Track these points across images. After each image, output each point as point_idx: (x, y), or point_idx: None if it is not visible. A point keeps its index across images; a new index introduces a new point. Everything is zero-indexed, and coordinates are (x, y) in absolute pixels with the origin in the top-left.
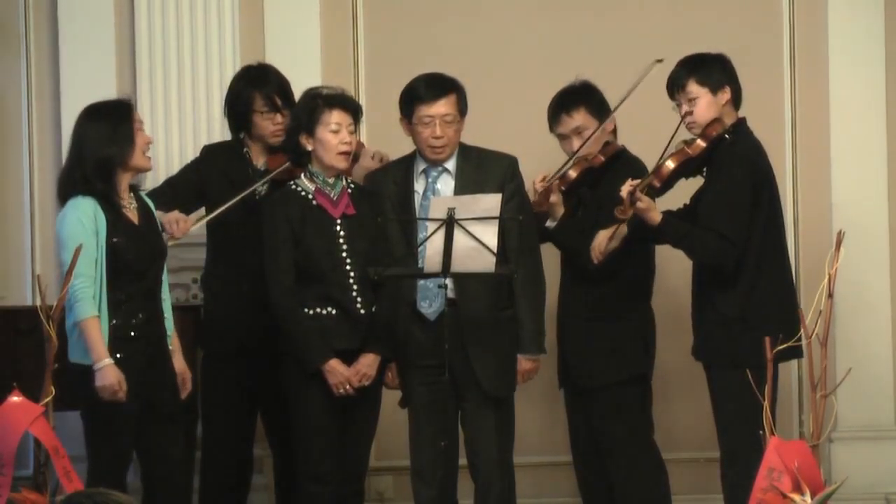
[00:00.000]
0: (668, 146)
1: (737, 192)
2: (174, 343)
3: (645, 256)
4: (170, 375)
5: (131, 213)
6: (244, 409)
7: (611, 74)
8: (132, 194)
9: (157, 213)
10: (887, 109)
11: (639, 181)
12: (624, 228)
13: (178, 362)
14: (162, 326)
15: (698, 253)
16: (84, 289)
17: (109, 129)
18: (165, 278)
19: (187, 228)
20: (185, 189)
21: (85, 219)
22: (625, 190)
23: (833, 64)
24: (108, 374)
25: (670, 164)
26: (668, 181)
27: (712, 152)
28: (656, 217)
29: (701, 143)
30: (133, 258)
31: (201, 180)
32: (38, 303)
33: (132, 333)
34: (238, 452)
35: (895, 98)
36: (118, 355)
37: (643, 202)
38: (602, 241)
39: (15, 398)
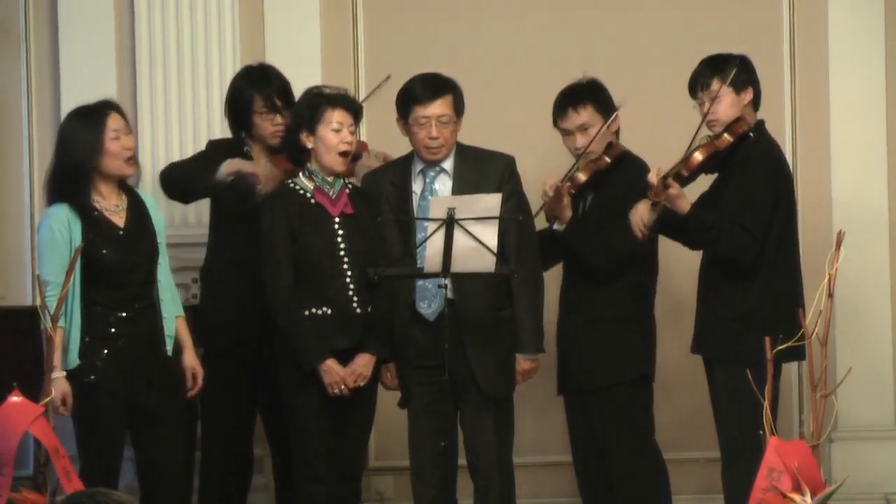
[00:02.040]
0: (692, 142)
1: (761, 188)
2: (183, 340)
3: (648, 259)
4: (163, 377)
5: (116, 216)
6: (243, 408)
7: (611, 75)
8: (123, 196)
9: (242, 164)
10: (887, 109)
11: (666, 168)
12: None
13: (189, 359)
14: (155, 327)
15: (722, 246)
16: (53, 297)
17: (80, 133)
18: (164, 278)
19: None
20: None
21: (56, 226)
22: (654, 175)
23: (833, 64)
24: (54, 387)
25: (698, 156)
26: (695, 172)
27: (734, 150)
28: (685, 205)
29: (728, 137)
30: (111, 262)
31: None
32: (38, 303)
33: (111, 334)
34: (237, 452)
35: (895, 98)
36: (101, 356)
37: (674, 188)
38: (644, 213)
39: (15, 398)
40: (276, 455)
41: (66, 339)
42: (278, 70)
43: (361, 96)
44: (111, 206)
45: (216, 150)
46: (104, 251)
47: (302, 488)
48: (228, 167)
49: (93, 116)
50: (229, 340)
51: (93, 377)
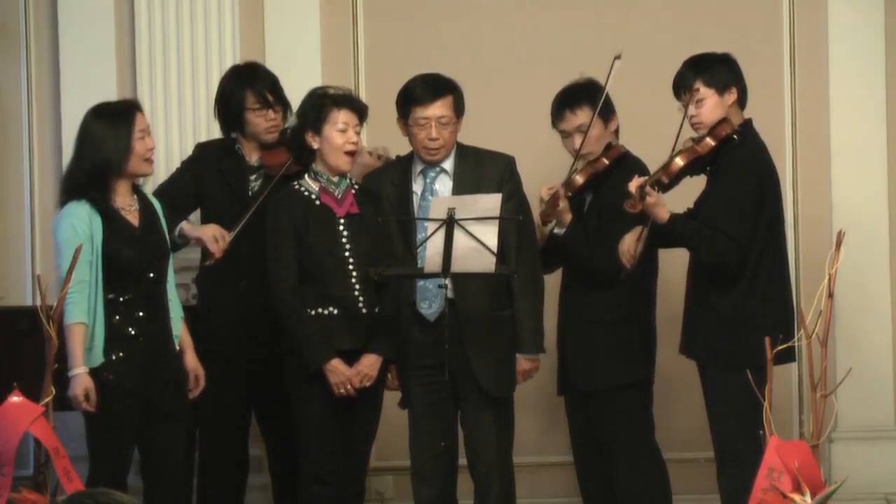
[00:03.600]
0: (675, 145)
1: (744, 192)
2: (185, 341)
3: (648, 261)
4: (173, 374)
5: (131, 215)
6: (241, 408)
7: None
8: (135, 196)
9: (190, 229)
10: (887, 109)
11: (647, 177)
12: (646, 231)
13: (191, 360)
14: (166, 326)
15: (704, 252)
16: (74, 293)
17: (108, 133)
18: (171, 279)
19: (226, 245)
20: (182, 194)
21: (78, 223)
22: (633, 185)
23: (833, 64)
24: (77, 383)
25: (679, 161)
26: (676, 178)
27: (719, 151)
28: (664, 214)
29: (710, 141)
30: (130, 261)
31: (196, 180)
32: (38, 303)
33: (131, 332)
34: (235, 452)
35: (895, 98)
36: (120, 353)
37: (652, 197)
38: (631, 244)
39: (15, 398)
40: (273, 455)
41: (89, 336)
42: (266, 67)
43: (361, 96)
44: (126, 205)
45: (206, 153)
46: (124, 250)
47: (306, 489)
48: (179, 230)
49: (121, 117)
50: (226, 340)
51: (112, 376)
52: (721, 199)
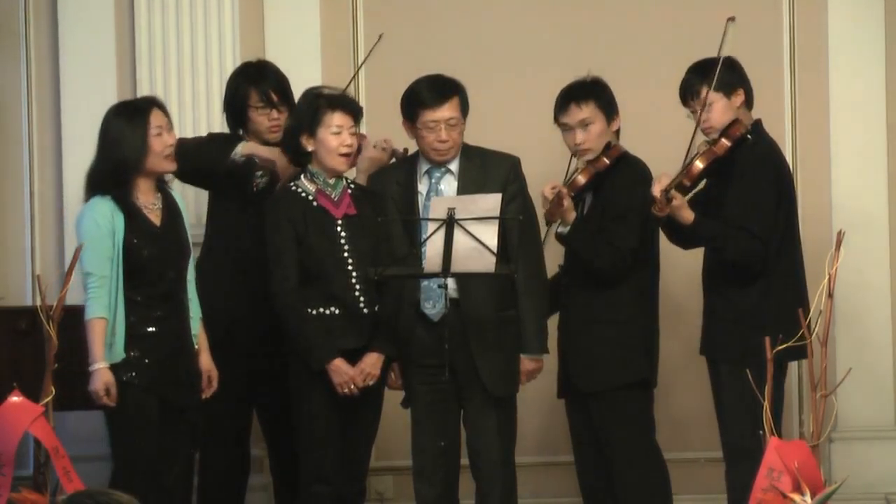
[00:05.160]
0: (688, 150)
1: (764, 191)
2: (201, 341)
3: (650, 260)
4: (190, 374)
5: (153, 213)
6: (242, 408)
7: (612, 74)
8: (159, 194)
9: (262, 149)
10: (887, 109)
11: (669, 181)
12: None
13: (205, 361)
14: (184, 325)
15: (731, 253)
16: (95, 288)
17: (125, 131)
18: (192, 278)
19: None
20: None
21: (100, 219)
22: (657, 189)
23: (833, 64)
24: (97, 378)
25: (699, 164)
26: (697, 180)
27: (734, 152)
28: (689, 216)
29: (726, 142)
30: (149, 259)
31: None
32: (38, 303)
33: (149, 331)
34: (235, 451)
35: (895, 98)
36: (138, 351)
37: (678, 199)
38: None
39: (15, 398)
40: (274, 455)
41: (109, 332)
42: (276, 66)
43: (361, 96)
44: (149, 203)
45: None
46: (143, 248)
47: (307, 488)
48: (244, 148)
49: (136, 114)
50: (225, 337)
51: (131, 374)
52: (742, 199)
